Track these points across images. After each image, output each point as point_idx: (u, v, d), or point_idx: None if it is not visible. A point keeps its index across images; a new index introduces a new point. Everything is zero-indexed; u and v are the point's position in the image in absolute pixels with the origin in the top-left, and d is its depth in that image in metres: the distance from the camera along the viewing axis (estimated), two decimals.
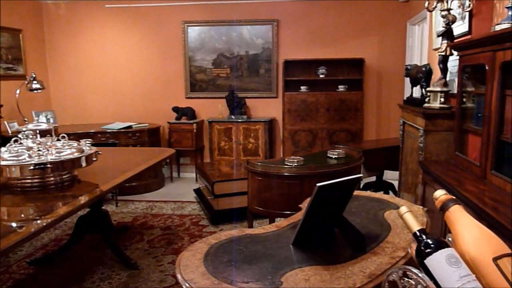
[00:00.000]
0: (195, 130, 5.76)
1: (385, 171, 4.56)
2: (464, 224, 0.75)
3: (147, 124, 5.76)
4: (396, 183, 4.13)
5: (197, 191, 5.03)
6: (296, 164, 2.92)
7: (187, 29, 5.94)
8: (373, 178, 4.61)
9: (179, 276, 1.27)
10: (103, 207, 3.60)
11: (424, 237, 0.77)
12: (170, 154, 3.70)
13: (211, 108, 6.04)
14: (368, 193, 2.04)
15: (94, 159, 2.74)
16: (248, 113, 6.00)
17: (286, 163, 2.98)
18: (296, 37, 5.85)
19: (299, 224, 1.44)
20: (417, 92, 4.00)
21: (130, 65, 6.16)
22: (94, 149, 2.78)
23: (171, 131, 5.84)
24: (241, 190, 3.94)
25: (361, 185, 4.58)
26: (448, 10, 3.07)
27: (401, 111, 3.83)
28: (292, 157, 3.07)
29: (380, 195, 2.00)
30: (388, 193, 4.54)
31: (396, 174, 3.98)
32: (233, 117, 5.77)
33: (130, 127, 5.54)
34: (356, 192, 2.04)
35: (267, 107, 6.03)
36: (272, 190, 2.94)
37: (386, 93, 5.83)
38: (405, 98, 3.95)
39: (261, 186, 3.00)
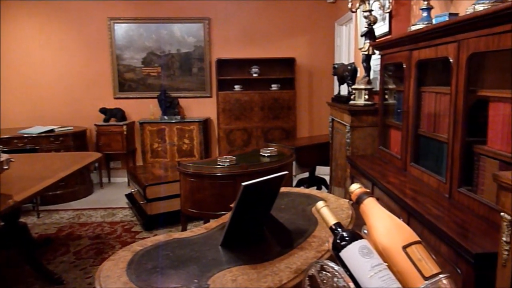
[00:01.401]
0: (125, 132, 5.49)
1: (317, 167, 4.70)
2: (377, 216, 0.76)
3: (71, 127, 5.38)
4: (327, 178, 4.27)
5: (129, 196, 4.81)
6: (228, 164, 2.89)
7: (114, 26, 5.65)
8: (306, 174, 4.73)
9: None
10: (20, 220, 3.28)
11: (339, 230, 0.77)
12: (96, 158, 3.47)
13: (142, 108, 5.80)
14: (297, 189, 2.06)
15: (6, 167, 2.47)
16: (182, 113, 5.86)
17: (218, 163, 2.94)
18: (228, 36, 5.83)
19: (226, 225, 1.40)
20: (344, 90, 4.17)
21: (52, 64, 5.71)
22: (5, 156, 2.51)
23: (99, 134, 5.51)
24: (175, 193, 3.82)
25: (295, 182, 4.68)
26: (370, 11, 3.23)
27: (330, 109, 3.97)
28: (225, 156, 3.04)
29: (309, 190, 2.03)
30: (320, 188, 4.70)
31: (327, 169, 4.12)
32: (166, 117, 5.59)
33: (52, 131, 5.12)
34: (286, 189, 2.06)
35: (201, 107, 5.93)
36: (205, 191, 2.88)
37: (317, 91, 6.02)
38: (333, 96, 4.10)
39: (193, 188, 2.93)
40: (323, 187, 4.74)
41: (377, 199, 2.22)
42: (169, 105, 5.63)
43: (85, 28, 5.68)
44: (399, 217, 1.92)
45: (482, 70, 1.78)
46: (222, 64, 5.69)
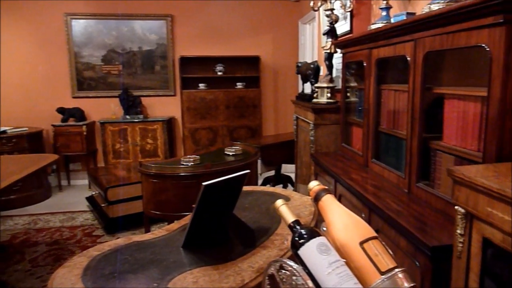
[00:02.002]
0: (85, 133, 5.28)
1: (283, 165, 4.72)
2: (334, 212, 0.76)
3: (26, 128, 5.11)
4: (293, 176, 4.30)
5: (90, 199, 4.63)
6: (192, 164, 2.84)
7: (71, 22, 5.41)
8: (272, 172, 4.74)
9: None
10: None
11: (298, 228, 0.76)
12: (53, 160, 3.31)
13: (103, 108, 5.60)
14: (261, 187, 2.05)
15: None
16: (145, 112, 5.71)
17: (181, 163, 2.88)
18: (192, 33, 5.74)
19: (187, 226, 1.37)
20: (308, 88, 4.21)
21: (5, 62, 5.38)
22: None
23: (56, 135, 5.26)
24: (138, 194, 3.71)
25: (261, 180, 4.68)
26: (331, 10, 3.27)
27: (294, 107, 3.99)
28: (188, 156, 2.98)
29: (273, 189, 2.02)
30: (286, 186, 4.73)
31: (293, 167, 4.15)
32: (128, 117, 5.43)
33: (4, 132, 4.84)
34: (250, 188, 2.04)
35: (165, 106, 5.81)
36: (168, 191, 2.81)
37: (282, 89, 6.06)
38: (297, 94, 4.13)
39: (156, 189, 2.85)
40: (289, 185, 4.77)
41: (340, 196, 2.26)
42: (131, 104, 5.47)
43: (40, 24, 5.40)
44: (361, 213, 1.96)
45: (438, 68, 1.84)
46: (186, 62, 5.59)
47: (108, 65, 5.59)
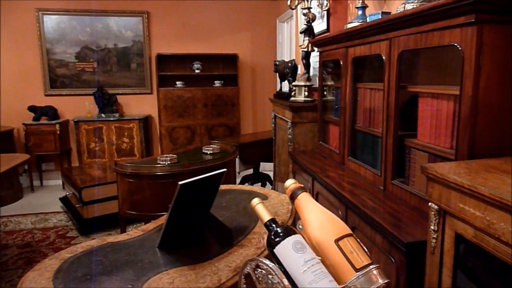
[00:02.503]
0: (58, 132, 5.13)
1: (262, 163, 4.72)
2: (310, 210, 0.76)
3: None
4: (272, 174, 4.31)
5: (64, 199, 4.51)
6: (169, 163, 2.80)
7: (42, 17, 5.24)
8: (251, 171, 4.74)
9: None
10: None
11: (274, 226, 0.75)
12: (24, 160, 3.20)
13: (77, 106, 5.46)
14: (239, 186, 2.05)
15: None
16: (121, 110, 5.60)
17: (158, 162, 2.84)
18: (168, 30, 5.66)
19: (163, 226, 1.34)
20: (286, 86, 4.22)
21: None
22: None
23: (28, 134, 5.09)
24: (114, 194, 3.63)
25: (239, 179, 4.67)
26: (309, 8, 3.29)
27: (272, 105, 4.00)
28: (165, 155, 2.94)
29: (251, 187, 2.02)
30: (265, 184, 4.73)
31: (271, 165, 4.15)
32: (103, 115, 5.31)
33: None
34: (228, 186, 2.03)
35: (141, 104, 5.71)
36: (144, 191, 2.76)
37: (260, 88, 6.06)
38: (275, 93, 4.13)
39: (131, 188, 2.80)
40: (267, 183, 4.77)
41: (317, 194, 2.27)
42: (107, 102, 5.35)
43: (10, 19, 5.20)
44: (337, 210, 1.98)
45: (413, 67, 1.87)
46: (163, 59, 5.51)
47: (82, 62, 5.44)
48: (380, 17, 2.01)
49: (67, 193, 4.51)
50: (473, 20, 1.25)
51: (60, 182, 5.34)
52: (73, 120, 5.22)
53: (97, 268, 1.25)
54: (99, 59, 5.47)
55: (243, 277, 0.80)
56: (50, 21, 5.28)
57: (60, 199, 4.61)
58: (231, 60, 5.73)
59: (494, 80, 1.30)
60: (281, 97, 3.64)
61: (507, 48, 1.29)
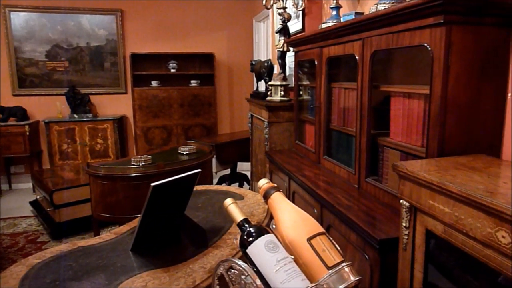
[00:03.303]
0: (28, 133, 4.96)
1: (239, 163, 4.71)
2: (283, 209, 0.75)
3: None
4: (249, 174, 4.30)
5: (34, 203, 4.36)
6: (143, 164, 2.75)
7: (9, 14, 5.05)
8: (228, 171, 4.72)
9: None
10: None
11: (247, 226, 0.75)
12: None
13: (47, 106, 5.29)
14: (215, 186, 2.03)
15: None
16: (94, 111, 5.47)
17: (132, 163, 2.78)
18: (143, 29, 5.57)
19: (136, 228, 1.31)
20: (262, 86, 4.23)
21: None
22: None
23: None
24: (87, 197, 3.54)
25: (217, 179, 4.64)
26: (284, 8, 3.30)
27: (249, 105, 3.99)
28: (140, 156, 2.89)
29: (227, 187, 2.00)
30: (242, 184, 4.72)
31: (249, 165, 4.14)
32: (75, 116, 5.17)
33: None
34: (204, 187, 2.01)
35: (115, 104, 5.59)
36: (118, 193, 2.70)
37: (237, 87, 6.04)
38: (251, 92, 4.13)
39: (105, 191, 2.73)
40: (245, 183, 4.77)
41: (294, 193, 2.28)
42: (79, 103, 5.21)
43: None
44: (313, 209, 1.99)
45: (385, 67, 1.91)
46: (137, 58, 5.42)
47: (53, 61, 5.28)
48: (354, 17, 2.03)
49: (38, 197, 4.37)
50: (442, 21, 1.28)
51: (30, 185, 5.16)
52: (44, 121, 5.05)
53: (66, 274, 1.21)
54: (71, 58, 5.32)
55: (216, 278, 0.79)
56: (18, 18, 5.10)
57: (30, 203, 4.46)
58: (208, 59, 5.69)
59: (462, 80, 1.33)
60: (258, 97, 3.64)
61: (474, 48, 1.33)
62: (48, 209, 3.88)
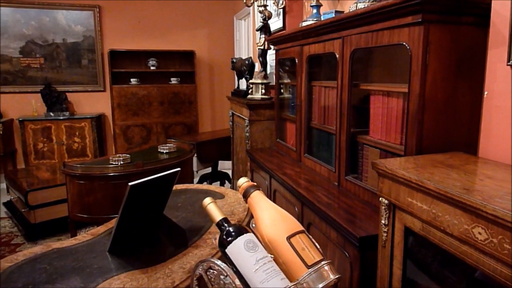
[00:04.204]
0: (1, 132, 4.79)
1: (220, 162, 4.68)
2: (263, 208, 0.75)
3: None
4: (230, 172, 4.28)
5: (8, 204, 4.22)
6: (122, 163, 2.70)
7: None
8: (209, 170, 4.68)
9: None
10: None
11: (226, 226, 0.73)
12: None
13: (22, 104, 5.13)
14: (195, 185, 2.00)
15: None
16: (71, 109, 5.33)
17: (110, 162, 2.73)
18: (122, 25, 5.46)
19: (113, 229, 1.28)
20: (243, 84, 4.21)
21: None
22: None
23: None
24: (64, 197, 3.45)
25: (198, 178, 4.60)
26: (264, 6, 3.29)
27: (230, 103, 3.97)
28: (118, 155, 2.83)
29: (207, 186, 1.98)
30: (224, 183, 4.70)
31: (230, 163, 4.12)
32: (52, 114, 5.03)
33: None
34: (184, 186, 1.98)
35: (93, 102, 5.47)
36: (95, 193, 2.64)
37: (218, 85, 6.00)
38: (233, 90, 4.11)
39: (82, 190, 2.67)
40: (226, 181, 4.74)
41: (275, 191, 2.27)
42: (55, 100, 5.07)
43: None
44: (294, 207, 1.99)
45: (365, 65, 1.92)
46: (116, 55, 5.31)
47: (27, 58, 5.12)
48: (334, 15, 2.04)
49: (12, 197, 4.23)
50: (420, 20, 1.30)
51: (4, 185, 4.99)
52: (18, 119, 4.90)
53: (40, 277, 1.17)
54: (46, 54, 5.17)
55: (195, 279, 0.78)
56: None
57: (4, 204, 4.32)
58: (188, 57, 5.62)
59: (439, 78, 1.35)
60: (239, 95, 3.62)
61: (451, 47, 1.35)
62: (22, 210, 3.77)
